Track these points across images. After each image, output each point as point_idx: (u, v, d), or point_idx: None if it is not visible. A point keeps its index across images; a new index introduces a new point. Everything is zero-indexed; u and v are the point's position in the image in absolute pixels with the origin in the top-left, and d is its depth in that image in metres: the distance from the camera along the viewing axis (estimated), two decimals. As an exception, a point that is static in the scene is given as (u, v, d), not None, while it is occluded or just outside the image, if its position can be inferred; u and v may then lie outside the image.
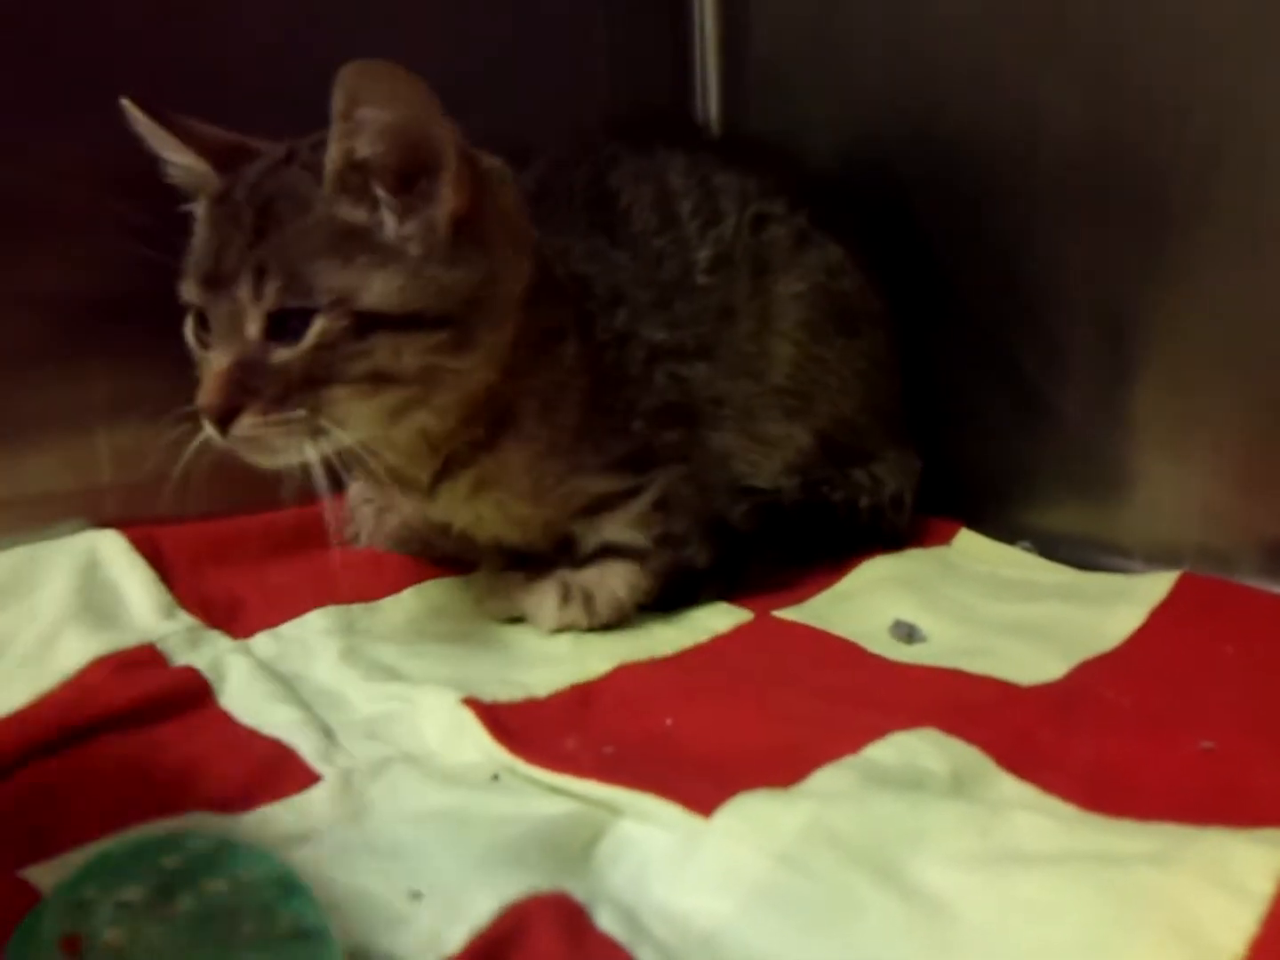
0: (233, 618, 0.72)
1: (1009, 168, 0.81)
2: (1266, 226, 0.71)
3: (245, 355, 0.60)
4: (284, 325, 0.59)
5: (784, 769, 0.53)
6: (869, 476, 0.83)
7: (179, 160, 0.65)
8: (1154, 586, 0.72)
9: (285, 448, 0.60)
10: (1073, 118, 0.78)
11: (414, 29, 0.90)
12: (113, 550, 0.74)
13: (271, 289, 0.59)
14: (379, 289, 0.60)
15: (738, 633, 0.72)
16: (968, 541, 0.84)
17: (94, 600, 0.70)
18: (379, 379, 0.61)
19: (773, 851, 0.47)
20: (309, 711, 0.61)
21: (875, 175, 0.89)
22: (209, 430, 0.60)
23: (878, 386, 0.84)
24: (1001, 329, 0.84)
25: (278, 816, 0.53)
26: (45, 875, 0.46)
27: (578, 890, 0.44)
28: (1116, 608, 0.70)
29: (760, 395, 0.79)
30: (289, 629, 0.71)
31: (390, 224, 0.61)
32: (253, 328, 0.60)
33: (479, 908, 0.42)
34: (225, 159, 0.65)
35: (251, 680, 0.63)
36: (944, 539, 0.84)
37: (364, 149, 0.60)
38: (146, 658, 0.65)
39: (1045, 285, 0.82)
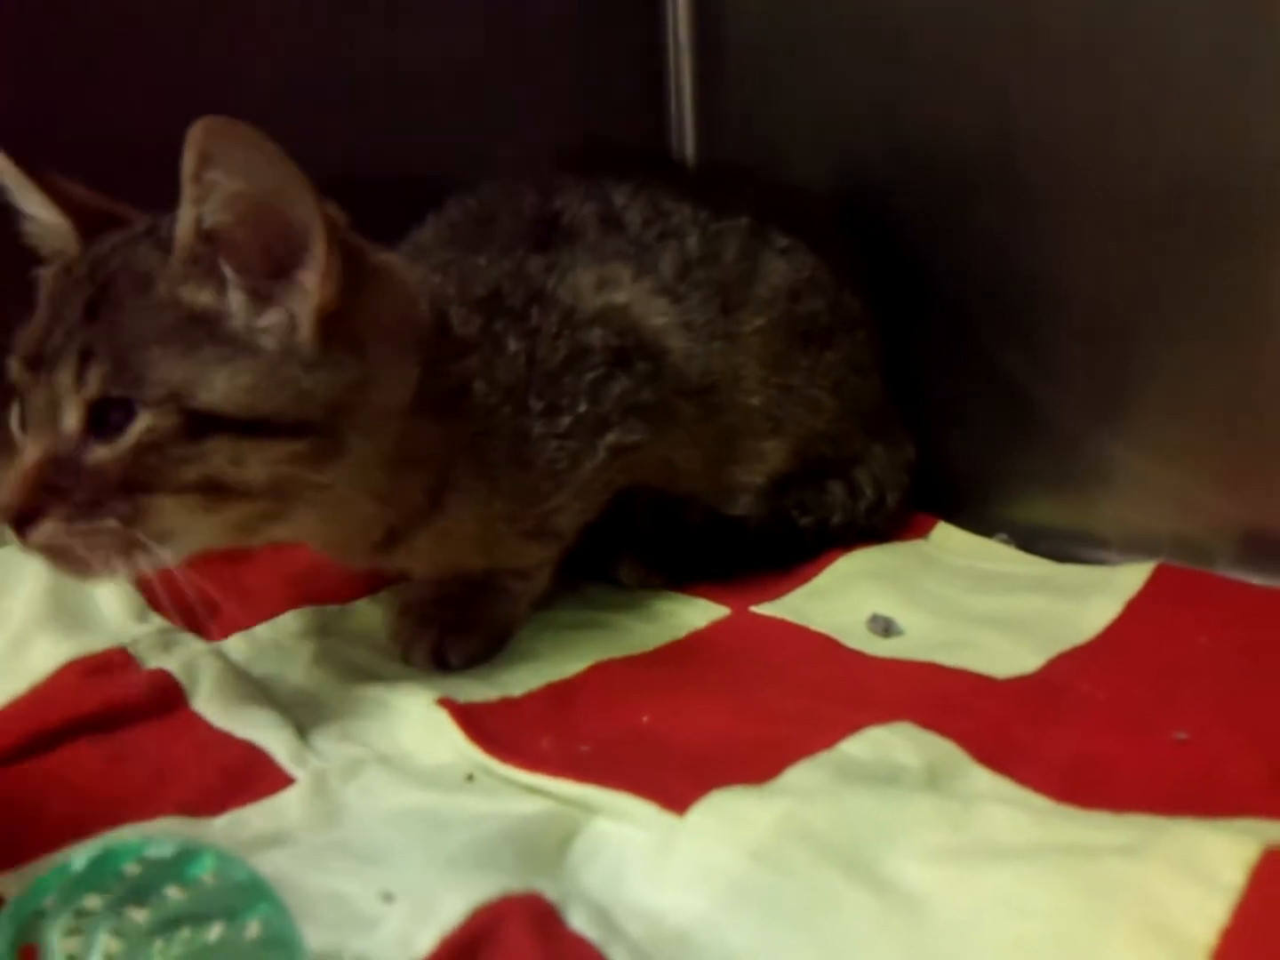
0: (206, 620, 0.71)
1: (987, 165, 0.81)
2: (1244, 220, 0.71)
3: (58, 450, 0.53)
4: (106, 419, 0.53)
5: (759, 765, 0.52)
6: (846, 488, 0.82)
7: (41, 217, 0.59)
8: (1130, 578, 0.73)
9: (92, 562, 0.53)
10: (1048, 111, 0.78)
11: (379, 37, 0.89)
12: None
13: (94, 375, 0.53)
14: (221, 386, 0.53)
15: (714, 628, 0.71)
16: (945, 534, 0.84)
17: (65, 603, 0.69)
18: (214, 489, 0.54)
19: (747, 848, 0.46)
20: (283, 714, 0.60)
21: (855, 177, 0.89)
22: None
23: (857, 390, 0.83)
24: (981, 325, 0.84)
25: (250, 820, 0.53)
26: (10, 885, 0.46)
27: (550, 890, 0.44)
28: (1092, 599, 0.70)
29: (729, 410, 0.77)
30: (262, 631, 0.70)
31: (240, 311, 0.54)
32: (70, 419, 0.53)
33: (449, 909, 0.42)
34: (92, 225, 0.58)
35: (224, 683, 0.63)
36: (922, 532, 0.84)
37: (210, 217, 0.53)
38: (118, 661, 0.64)
39: (1025, 282, 0.82)
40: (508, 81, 0.95)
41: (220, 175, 0.52)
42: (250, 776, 0.56)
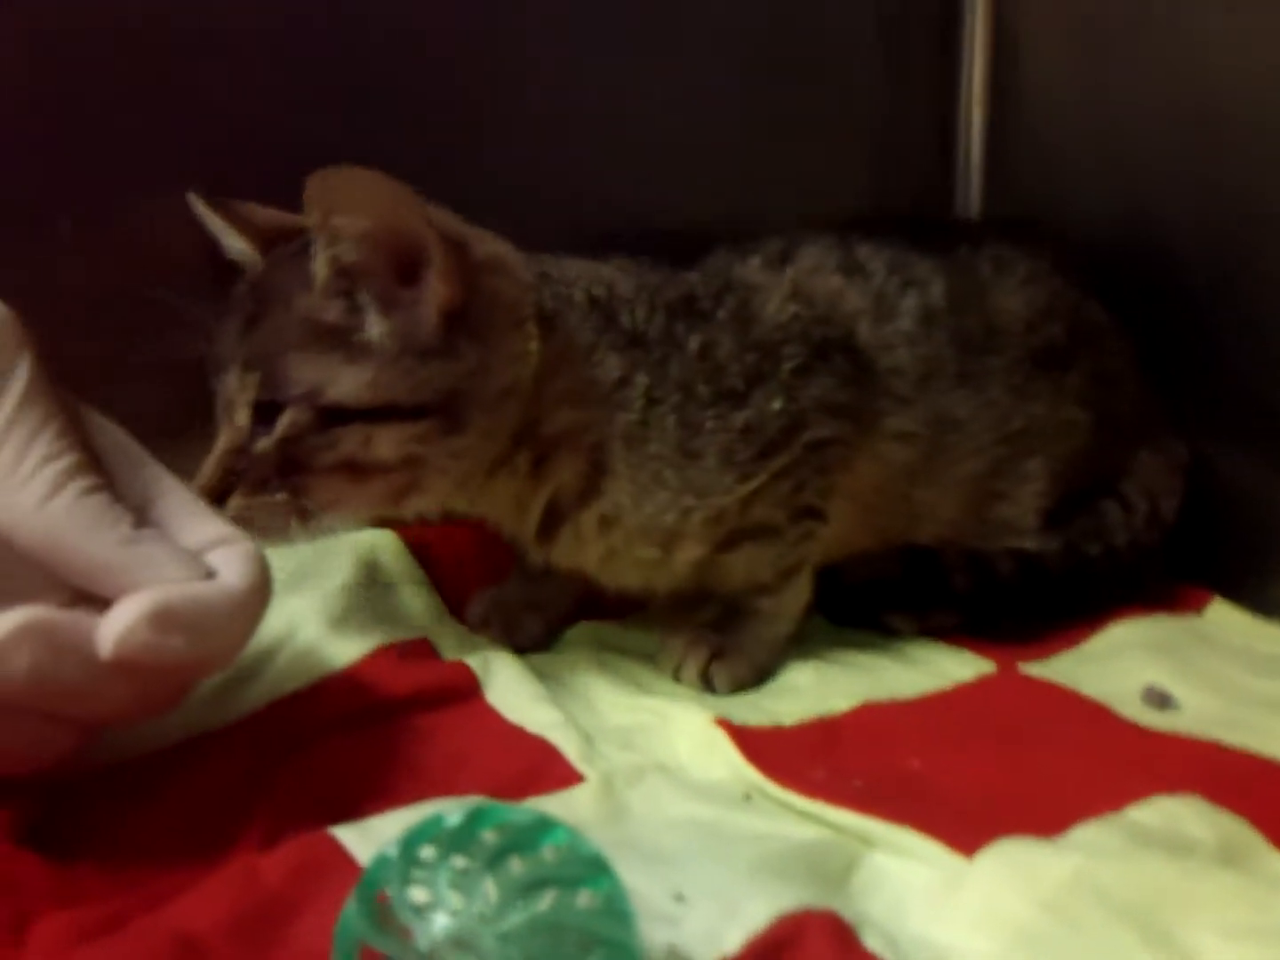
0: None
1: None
2: None
3: (235, 441, 0.63)
4: (266, 415, 0.62)
5: (1043, 820, 0.53)
6: (1120, 505, 0.82)
7: (231, 244, 0.69)
8: None
9: (273, 527, 0.63)
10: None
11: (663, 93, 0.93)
12: (390, 550, 0.80)
13: (252, 381, 0.62)
14: (346, 384, 0.61)
15: (981, 683, 0.71)
16: (1221, 613, 0.81)
17: (375, 594, 0.76)
18: (353, 468, 0.62)
19: (1037, 898, 0.47)
20: (569, 715, 0.64)
21: (1150, 241, 0.87)
22: None
23: (1108, 401, 0.82)
24: (1273, 395, 0.81)
25: (548, 808, 0.56)
26: (350, 834, 0.51)
27: (844, 910, 0.46)
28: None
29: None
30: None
31: (372, 321, 0.62)
32: (241, 416, 0.63)
33: (754, 913, 0.44)
34: (272, 243, 0.67)
35: (516, 681, 0.67)
36: (1196, 607, 0.81)
37: (344, 256, 0.61)
38: (422, 650, 0.70)
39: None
40: (794, 142, 0.97)
41: (345, 220, 0.60)
42: (544, 769, 0.59)
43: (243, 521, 0.61)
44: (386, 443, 0.62)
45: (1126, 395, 0.84)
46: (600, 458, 0.68)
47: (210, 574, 0.53)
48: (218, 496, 0.62)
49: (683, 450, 0.68)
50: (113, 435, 0.57)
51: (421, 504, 0.68)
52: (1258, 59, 0.79)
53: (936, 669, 0.73)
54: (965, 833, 0.51)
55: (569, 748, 0.61)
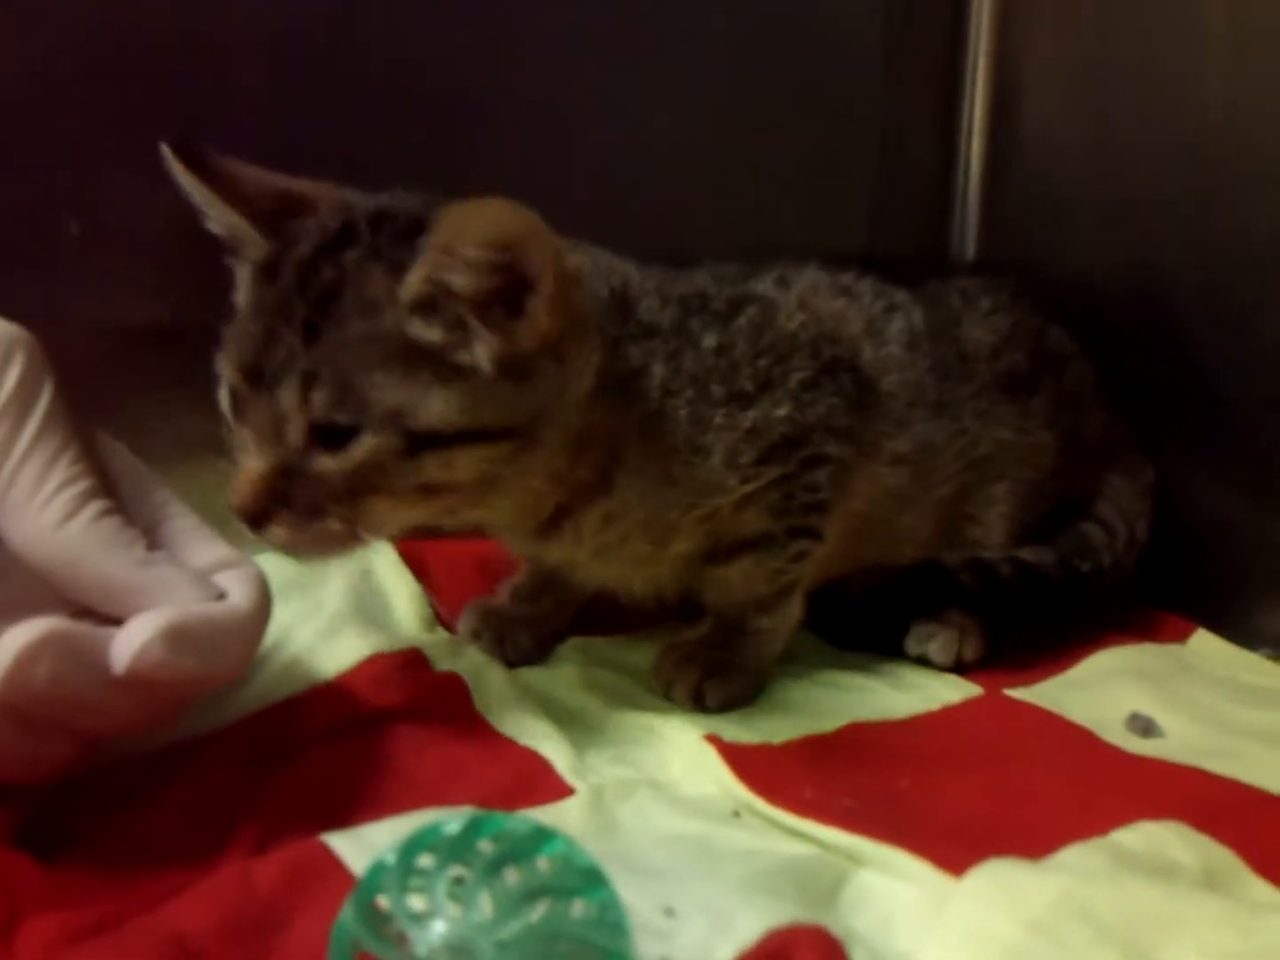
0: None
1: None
2: None
3: (283, 461, 0.57)
4: (329, 432, 0.57)
5: (1031, 842, 0.53)
6: (1101, 528, 0.84)
7: (221, 218, 0.61)
8: None
9: (316, 554, 0.60)
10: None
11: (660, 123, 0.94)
12: (384, 560, 0.80)
13: (319, 399, 0.56)
14: (438, 409, 0.57)
15: (968, 706, 0.72)
16: (1205, 643, 0.82)
17: (367, 603, 0.76)
18: (428, 490, 0.59)
19: (1025, 919, 0.47)
20: (561, 728, 0.65)
21: (1145, 280, 0.89)
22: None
23: (1075, 426, 0.85)
24: (1261, 433, 0.83)
25: (538, 820, 0.57)
26: (342, 842, 0.51)
27: (833, 927, 0.46)
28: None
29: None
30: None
31: (477, 345, 0.58)
32: (295, 434, 0.57)
33: (745, 927, 0.45)
34: (271, 217, 0.60)
35: (507, 693, 0.68)
36: (1179, 637, 0.83)
37: (459, 282, 0.57)
38: (415, 660, 0.70)
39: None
40: (792, 177, 0.99)
41: (476, 253, 0.56)
42: (534, 781, 0.60)
43: (282, 547, 0.58)
44: (466, 464, 0.59)
45: (1092, 418, 0.87)
46: (617, 451, 0.66)
47: (221, 595, 0.54)
48: (255, 520, 0.57)
49: (691, 446, 0.67)
50: (123, 458, 0.59)
51: (474, 517, 0.65)
52: (1254, 103, 0.81)
53: (925, 691, 0.74)
54: (953, 853, 0.51)
55: (559, 760, 0.62)
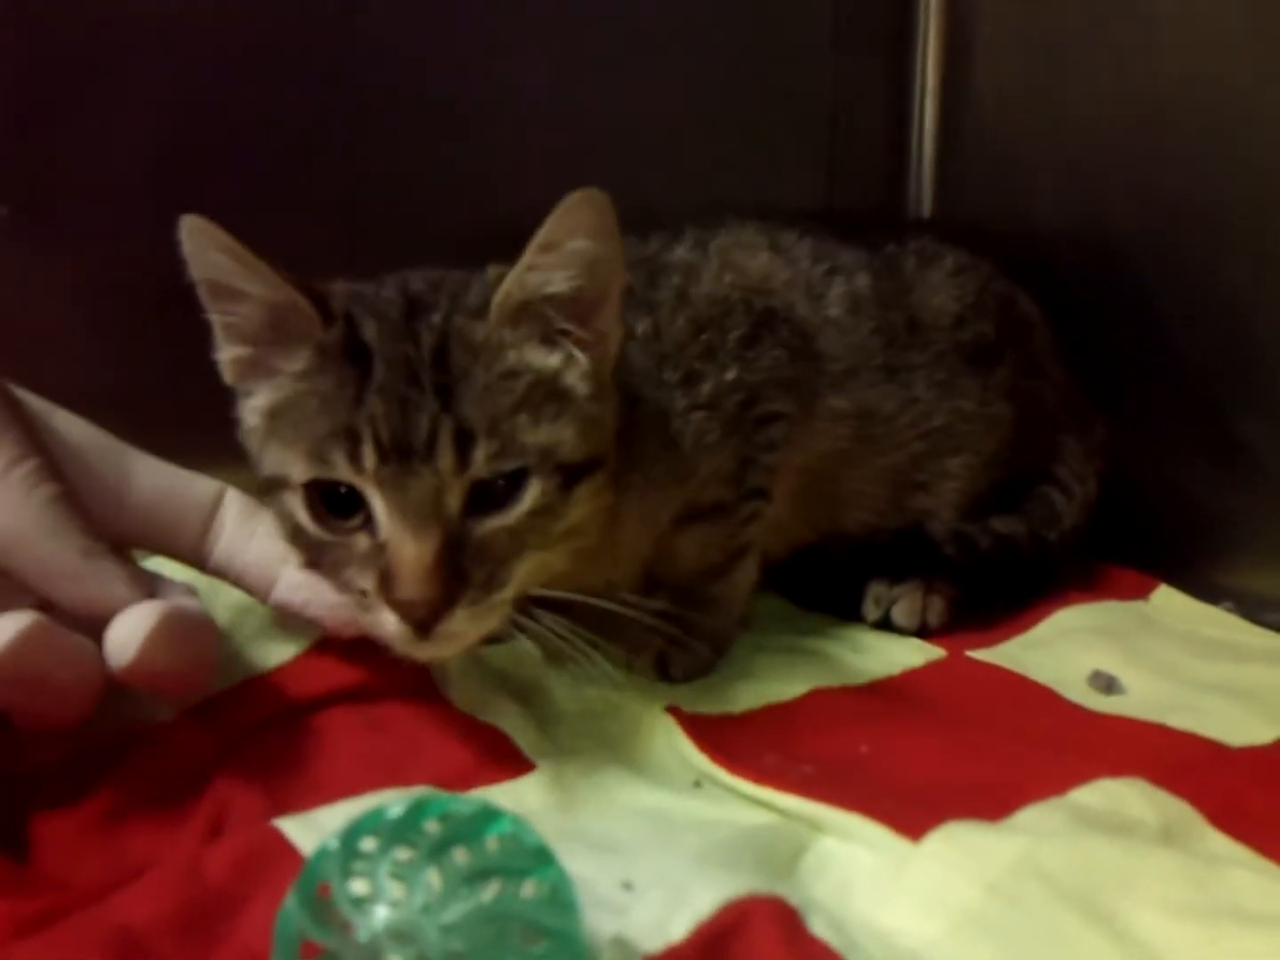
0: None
1: (1241, 229, 0.79)
2: None
3: (447, 536, 0.52)
4: (489, 492, 0.53)
5: (989, 804, 0.53)
6: (1061, 491, 0.84)
7: (265, 292, 0.54)
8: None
9: (480, 631, 0.54)
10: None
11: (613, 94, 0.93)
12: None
13: (482, 455, 0.52)
14: (570, 439, 0.55)
15: (931, 669, 0.72)
16: (1167, 598, 0.82)
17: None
18: (570, 534, 0.56)
19: (983, 880, 0.47)
20: (521, 704, 0.64)
21: (1100, 236, 0.89)
22: (394, 628, 0.52)
23: (1035, 394, 0.84)
24: (1217, 387, 0.83)
25: (495, 799, 0.56)
26: (295, 826, 0.51)
27: (790, 896, 0.46)
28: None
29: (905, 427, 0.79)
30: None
31: (567, 365, 0.56)
32: (454, 502, 0.53)
33: (701, 900, 0.44)
34: (317, 295, 0.56)
35: (468, 671, 0.67)
36: (1142, 593, 0.83)
37: (565, 283, 0.55)
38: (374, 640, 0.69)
39: (1268, 345, 0.80)
40: (747, 139, 0.98)
41: (583, 245, 0.54)
42: (494, 759, 0.59)
43: (452, 641, 0.53)
44: (588, 497, 0.56)
45: (1050, 383, 0.86)
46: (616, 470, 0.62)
47: (152, 592, 0.56)
48: (438, 611, 0.51)
49: (663, 441, 0.66)
50: (81, 428, 0.60)
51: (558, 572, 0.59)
52: (1202, 65, 0.81)
53: (886, 655, 0.73)
54: (912, 817, 0.51)
55: (520, 737, 0.61)
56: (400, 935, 0.36)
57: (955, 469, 0.81)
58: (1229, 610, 0.81)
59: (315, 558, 0.56)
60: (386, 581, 0.52)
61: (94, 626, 0.54)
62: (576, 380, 0.57)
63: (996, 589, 0.80)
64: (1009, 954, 0.45)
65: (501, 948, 0.37)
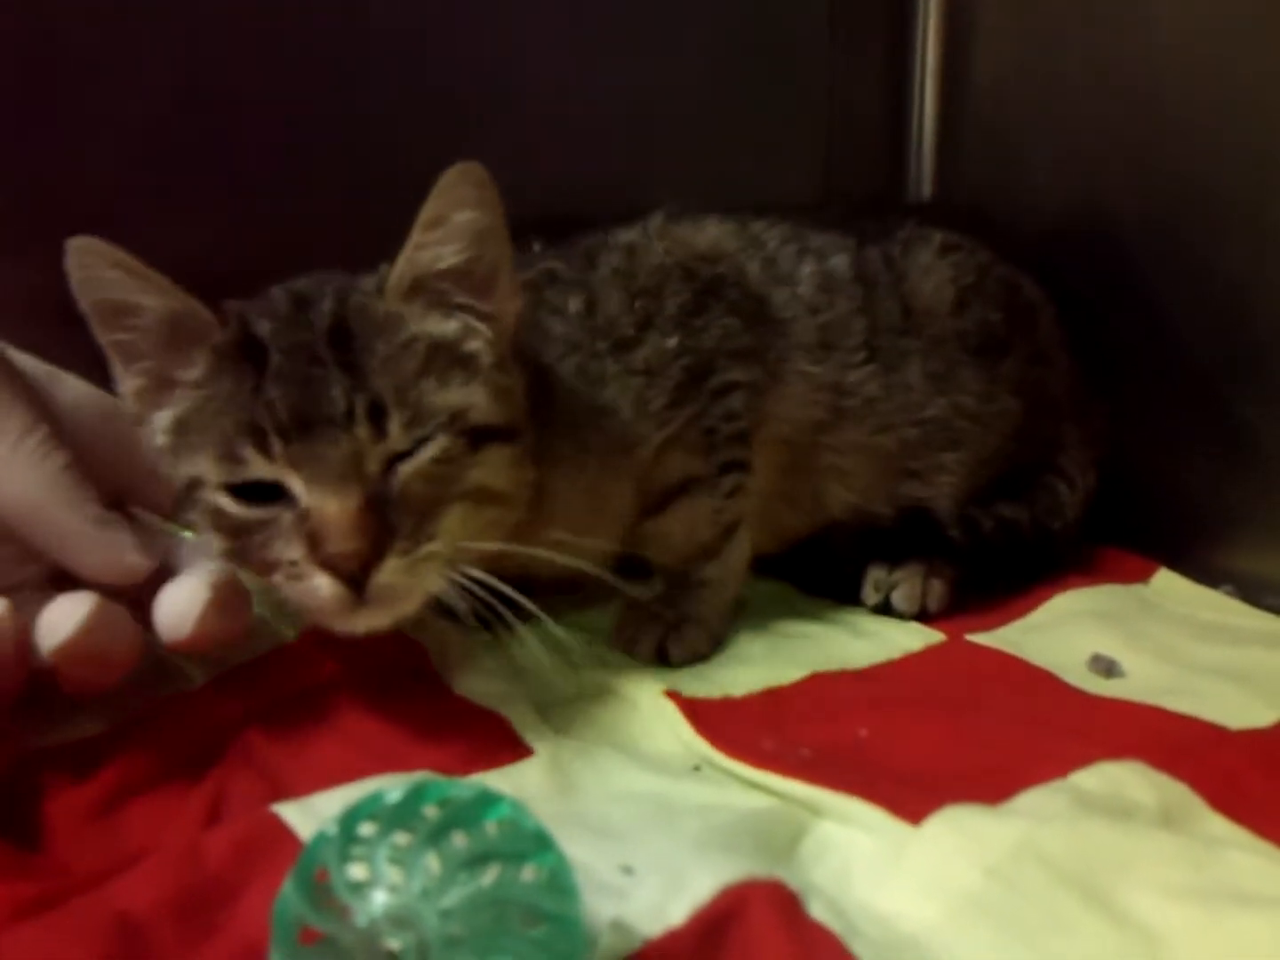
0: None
1: (1239, 212, 0.79)
2: None
3: (369, 492, 0.54)
4: (402, 454, 0.55)
5: (989, 787, 0.53)
6: (1065, 483, 0.83)
7: (159, 304, 0.55)
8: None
9: (414, 590, 0.55)
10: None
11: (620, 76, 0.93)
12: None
13: (397, 423, 0.54)
14: (481, 403, 0.57)
15: (930, 652, 0.72)
16: (1167, 581, 0.82)
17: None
18: (485, 496, 0.57)
19: (983, 864, 0.47)
20: (521, 689, 0.64)
21: (1097, 219, 0.88)
22: (328, 591, 0.53)
23: (1042, 383, 0.83)
24: (1216, 369, 0.82)
25: (494, 784, 0.56)
26: (294, 812, 0.51)
27: (790, 880, 0.46)
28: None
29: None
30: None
31: (467, 334, 0.58)
32: (374, 464, 0.54)
33: (700, 885, 0.44)
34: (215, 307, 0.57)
35: (468, 655, 0.67)
36: (1142, 577, 0.83)
37: (453, 256, 0.57)
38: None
39: (1267, 328, 0.80)
40: (747, 125, 0.98)
41: (466, 215, 0.56)
42: (493, 744, 0.59)
43: (387, 592, 0.53)
44: (498, 464, 0.58)
45: (1057, 372, 0.85)
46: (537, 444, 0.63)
47: (166, 555, 0.58)
48: (369, 560, 0.52)
49: (595, 408, 0.66)
50: (84, 391, 0.61)
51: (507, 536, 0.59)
52: (1199, 50, 0.80)
53: (886, 639, 0.73)
54: (912, 801, 0.51)
55: (519, 721, 0.61)
56: (399, 920, 0.36)
57: (951, 464, 0.80)
58: (1229, 593, 0.81)
59: (241, 543, 0.56)
60: (315, 543, 0.53)
61: (110, 592, 0.56)
62: (480, 347, 0.58)
63: (996, 572, 0.79)
64: (1009, 937, 0.45)
65: (500, 932, 0.37)
